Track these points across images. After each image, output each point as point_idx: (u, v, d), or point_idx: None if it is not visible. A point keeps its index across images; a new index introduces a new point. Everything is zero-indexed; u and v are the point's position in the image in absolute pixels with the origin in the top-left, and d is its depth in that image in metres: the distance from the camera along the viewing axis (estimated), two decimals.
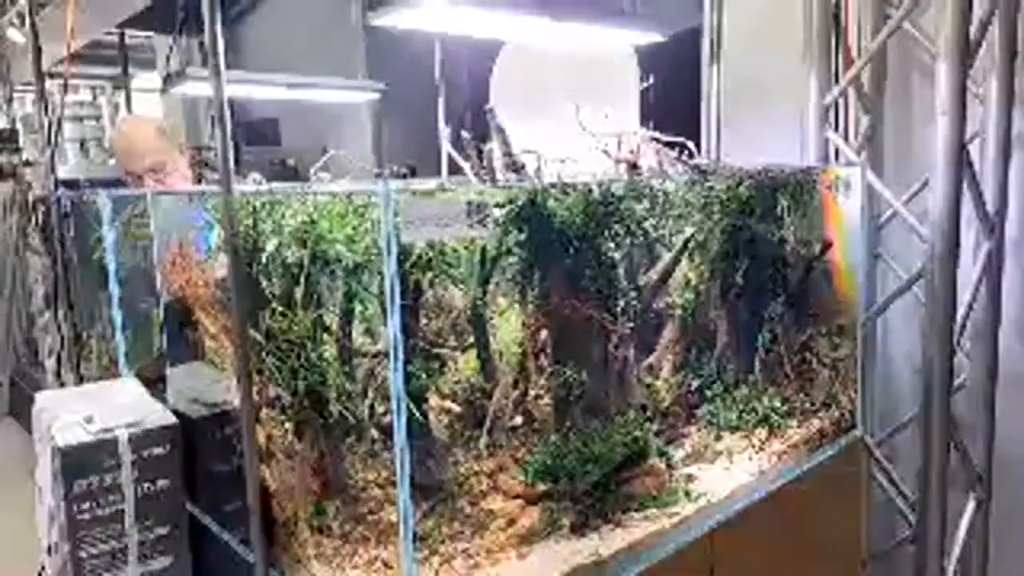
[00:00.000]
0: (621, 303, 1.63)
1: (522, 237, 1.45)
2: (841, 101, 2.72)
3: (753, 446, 1.96)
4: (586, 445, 1.55)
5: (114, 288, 2.21)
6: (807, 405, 2.13)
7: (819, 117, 2.60)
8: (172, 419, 1.86)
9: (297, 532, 1.44)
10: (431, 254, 1.30)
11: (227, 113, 1.40)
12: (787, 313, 2.07)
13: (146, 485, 1.82)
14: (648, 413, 1.73)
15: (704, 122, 3.12)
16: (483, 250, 1.47)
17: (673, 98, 3.39)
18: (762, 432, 1.99)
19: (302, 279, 1.29)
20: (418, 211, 1.12)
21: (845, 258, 2.25)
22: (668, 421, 1.96)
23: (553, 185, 1.42)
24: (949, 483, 2.41)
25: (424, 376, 1.38)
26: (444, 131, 1.64)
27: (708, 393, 2.02)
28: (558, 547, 1.49)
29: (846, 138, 2.71)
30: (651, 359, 1.98)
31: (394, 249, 1.05)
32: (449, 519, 1.44)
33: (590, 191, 1.48)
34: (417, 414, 1.36)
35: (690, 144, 2.22)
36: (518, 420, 1.61)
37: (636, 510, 1.62)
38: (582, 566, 1.48)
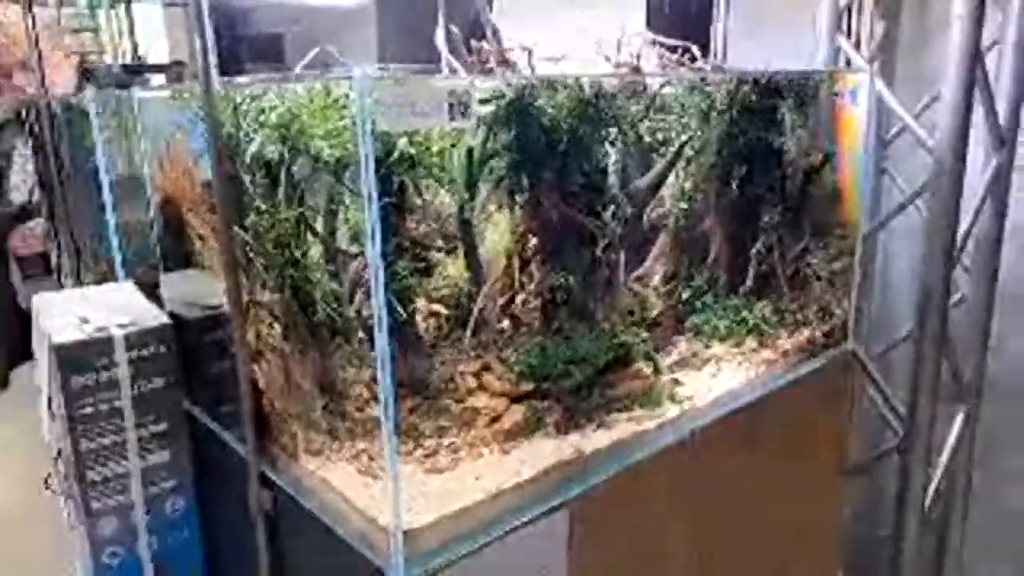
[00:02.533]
0: (612, 209, 1.61)
1: (509, 136, 1.41)
2: (856, 6, 2.59)
3: (742, 354, 1.97)
4: (571, 347, 1.56)
5: (107, 193, 2.20)
6: (799, 316, 2.13)
7: (832, 21, 2.50)
8: (166, 320, 1.89)
9: (287, 428, 1.48)
10: (414, 151, 1.27)
11: (204, 7, 1.35)
12: (784, 224, 2.04)
13: (143, 383, 1.87)
14: (635, 319, 1.73)
15: (714, 26, 3.00)
16: (469, 150, 1.44)
17: (684, 3, 3.25)
18: (752, 341, 2.00)
19: (283, 177, 1.28)
20: (398, 101, 1.09)
21: (849, 170, 2.20)
22: (658, 330, 1.97)
23: (540, 80, 1.38)
24: (939, 398, 2.44)
25: (409, 277, 1.38)
26: (440, 33, 1.59)
27: (699, 303, 2.03)
28: (542, 444, 1.53)
29: (858, 46, 2.61)
30: (643, 268, 1.97)
31: (370, 139, 1.03)
32: (435, 415, 1.47)
33: (581, 88, 1.43)
34: (403, 314, 1.37)
35: (694, 48, 2.14)
36: (505, 323, 1.62)
37: (620, 411, 1.65)
38: (564, 462, 1.52)
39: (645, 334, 1.77)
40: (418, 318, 1.55)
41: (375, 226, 1.08)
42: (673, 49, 2.10)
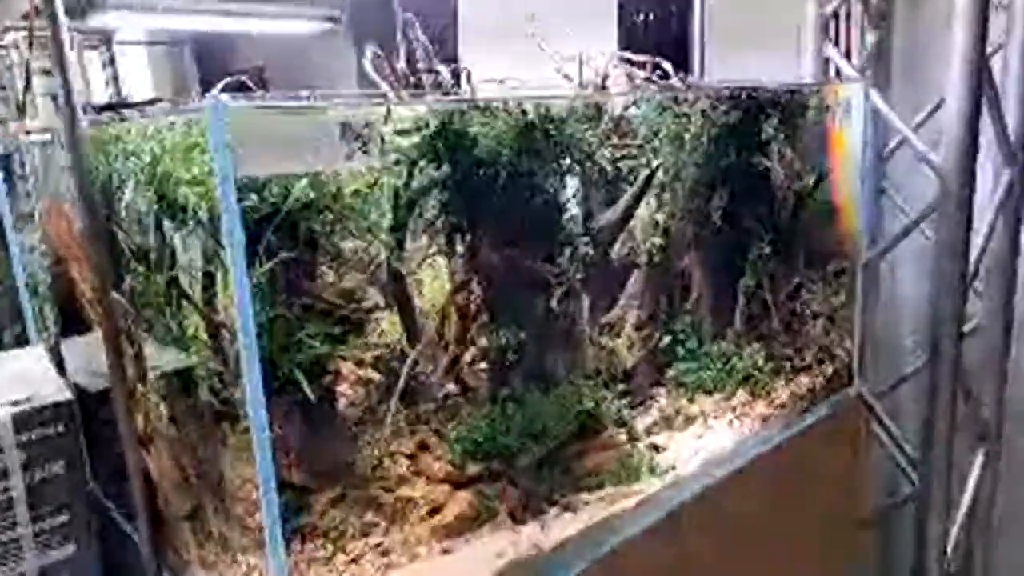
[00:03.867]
0: (570, 250, 1.36)
1: (439, 172, 1.17)
2: (843, 13, 2.38)
3: (733, 409, 1.71)
4: (527, 416, 1.31)
5: (13, 247, 1.95)
6: (796, 360, 1.87)
7: (818, 31, 2.28)
8: (67, 395, 1.62)
9: (179, 531, 1.21)
10: (314, 195, 1.03)
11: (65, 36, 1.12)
12: (775, 256, 1.80)
13: (38, 469, 1.60)
14: (603, 377, 1.47)
15: (692, 39, 2.79)
16: (396, 190, 1.20)
17: (660, 16, 3.04)
18: (743, 393, 1.74)
19: (152, 231, 1.03)
20: (270, 137, 0.84)
21: (844, 192, 1.97)
22: (633, 383, 1.71)
23: (470, 104, 1.14)
24: (955, 438, 2.18)
25: (322, 343, 1.13)
26: (369, 55, 1.38)
27: (680, 351, 1.77)
28: (493, 538, 1.26)
29: (848, 56, 2.38)
30: (612, 313, 1.73)
31: (230, 185, 0.78)
32: (360, 509, 1.21)
33: (524, 112, 1.19)
34: (309, 391, 1.11)
35: (666, 64, 1.91)
36: (451, 387, 1.37)
37: (590, 490, 1.39)
38: (521, 560, 1.25)
39: (616, 393, 1.52)
40: (343, 387, 1.30)
41: (244, 291, 0.82)
42: (643, 66, 1.86)
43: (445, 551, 1.23)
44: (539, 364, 1.39)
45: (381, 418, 1.29)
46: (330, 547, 1.22)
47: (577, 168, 1.35)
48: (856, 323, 1.98)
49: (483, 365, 1.35)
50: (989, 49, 1.87)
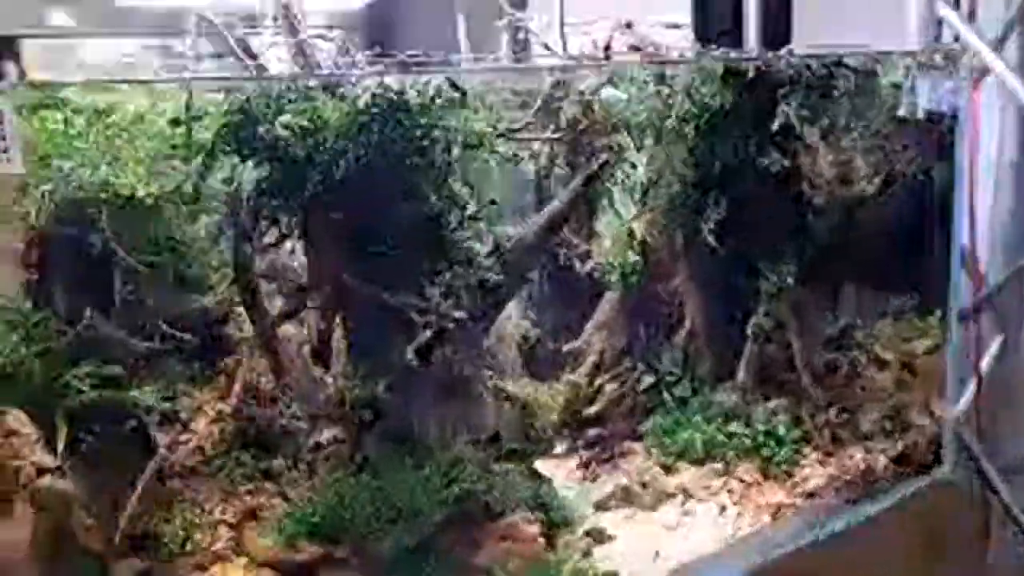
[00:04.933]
0: (451, 276, 1.03)
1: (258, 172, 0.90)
2: None
3: (730, 491, 1.27)
4: (385, 491, 0.99)
5: None
6: (843, 428, 1.37)
7: None
8: None
9: None
10: None
11: None
12: (804, 284, 1.32)
13: None
14: (512, 440, 1.12)
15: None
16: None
17: None
18: (750, 468, 1.28)
19: None
20: None
21: (939, 205, 1.43)
22: (590, 436, 1.33)
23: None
24: None
25: (91, 388, 0.90)
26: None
27: (666, 397, 1.36)
28: None
29: (972, 18, 1.78)
30: (572, 345, 1.36)
31: None
32: None
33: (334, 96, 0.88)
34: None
35: (681, 27, 1.53)
36: (323, 436, 1.08)
37: None
38: None
39: (527, 461, 1.15)
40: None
41: None
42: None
43: None
44: (406, 423, 1.06)
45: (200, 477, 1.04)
46: None
47: (457, 168, 1.01)
48: (949, 382, 1.43)
49: (331, 425, 1.05)
50: None
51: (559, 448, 1.40)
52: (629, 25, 1.52)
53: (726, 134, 1.24)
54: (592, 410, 1.35)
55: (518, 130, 1.11)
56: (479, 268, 1.05)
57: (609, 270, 1.34)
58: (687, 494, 1.26)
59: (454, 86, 0.95)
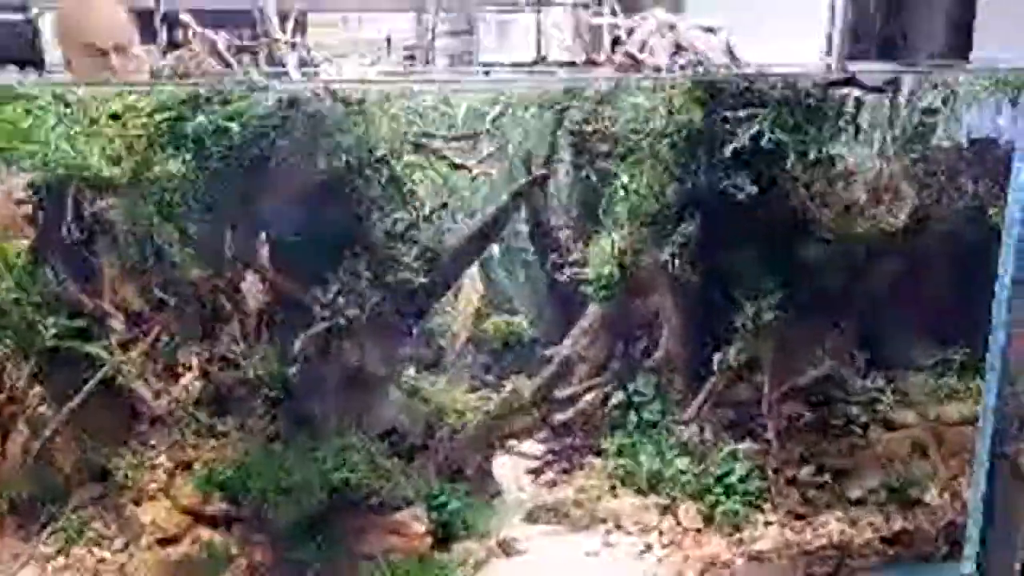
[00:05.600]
0: (352, 274, 1.08)
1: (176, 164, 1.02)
2: None
3: (662, 531, 1.20)
4: (285, 466, 1.08)
5: None
6: (819, 490, 1.23)
7: None
8: None
9: None
10: None
11: None
12: (795, 320, 1.20)
13: None
14: (413, 437, 1.15)
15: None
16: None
17: None
18: (694, 509, 1.20)
19: None
20: None
21: (979, 243, 1.21)
22: (550, 445, 1.32)
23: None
24: None
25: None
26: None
27: (633, 418, 1.31)
28: None
29: None
30: (554, 349, 1.36)
31: None
32: (106, 518, 1.15)
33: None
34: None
35: (723, 34, 1.43)
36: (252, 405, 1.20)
37: None
38: None
39: (419, 461, 1.16)
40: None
41: None
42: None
43: None
44: (309, 407, 1.13)
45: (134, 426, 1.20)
46: (58, 546, 1.17)
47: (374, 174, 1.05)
48: (981, 454, 1.21)
49: (243, 391, 1.15)
50: None
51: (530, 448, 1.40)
52: (672, 27, 1.44)
53: (697, 154, 1.14)
54: (561, 417, 1.33)
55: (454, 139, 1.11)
56: (402, 270, 1.08)
57: (588, 281, 1.30)
58: (618, 524, 1.20)
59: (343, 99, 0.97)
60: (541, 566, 1.16)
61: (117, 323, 1.19)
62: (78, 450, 1.21)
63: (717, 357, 1.21)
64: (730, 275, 1.20)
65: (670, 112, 1.14)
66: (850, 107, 1.11)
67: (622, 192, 1.23)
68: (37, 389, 1.21)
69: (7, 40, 1.12)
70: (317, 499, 1.10)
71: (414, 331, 1.20)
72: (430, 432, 1.18)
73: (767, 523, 1.20)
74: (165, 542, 1.15)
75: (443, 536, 1.15)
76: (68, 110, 1.05)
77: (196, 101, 1.00)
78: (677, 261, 1.19)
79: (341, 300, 1.05)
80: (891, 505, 1.23)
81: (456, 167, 1.10)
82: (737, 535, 1.19)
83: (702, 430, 1.23)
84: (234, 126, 0.97)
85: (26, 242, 1.16)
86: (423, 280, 1.10)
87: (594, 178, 1.23)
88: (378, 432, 1.13)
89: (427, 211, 1.11)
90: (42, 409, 1.21)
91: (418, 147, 1.06)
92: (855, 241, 1.18)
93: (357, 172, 1.04)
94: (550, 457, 1.39)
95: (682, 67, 1.25)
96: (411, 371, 1.24)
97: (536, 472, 1.36)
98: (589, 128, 1.29)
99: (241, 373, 1.13)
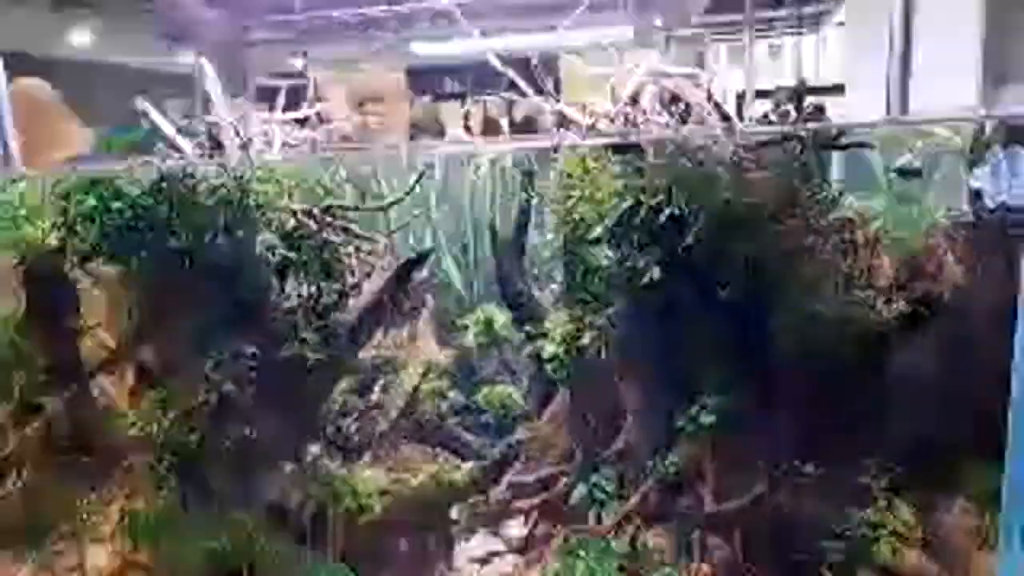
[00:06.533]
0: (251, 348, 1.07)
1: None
2: None
3: None
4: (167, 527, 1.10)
5: None
6: None
7: None
8: None
9: None
10: None
11: None
12: (726, 426, 1.03)
13: None
14: (292, 514, 1.12)
15: None
16: None
17: None
18: None
19: None
20: None
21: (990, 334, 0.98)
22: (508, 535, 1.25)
23: None
24: None
25: None
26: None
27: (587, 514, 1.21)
28: None
29: None
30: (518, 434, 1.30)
31: None
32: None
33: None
34: None
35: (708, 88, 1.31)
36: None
37: None
38: None
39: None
40: None
41: None
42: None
43: None
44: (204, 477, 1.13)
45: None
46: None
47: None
48: None
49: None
50: None
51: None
52: (667, 75, 1.32)
53: (633, 227, 1.00)
54: (521, 505, 1.25)
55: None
56: (295, 343, 1.05)
57: (548, 359, 1.21)
58: None
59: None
60: None
61: None
62: None
63: (654, 461, 1.06)
64: (678, 370, 1.05)
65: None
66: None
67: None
68: None
69: None
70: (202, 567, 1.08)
71: (318, 407, 1.16)
72: (321, 513, 1.13)
73: None
74: None
75: None
76: None
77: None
78: (646, 353, 1.06)
79: (219, 375, 1.04)
80: None
81: (359, 237, 1.05)
82: None
83: (634, 539, 1.08)
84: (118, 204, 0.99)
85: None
86: (319, 356, 1.06)
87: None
88: (263, 507, 1.11)
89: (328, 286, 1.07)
90: None
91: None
92: (816, 332, 0.98)
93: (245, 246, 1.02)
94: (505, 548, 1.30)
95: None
96: (314, 448, 1.20)
97: (483, 561, 1.28)
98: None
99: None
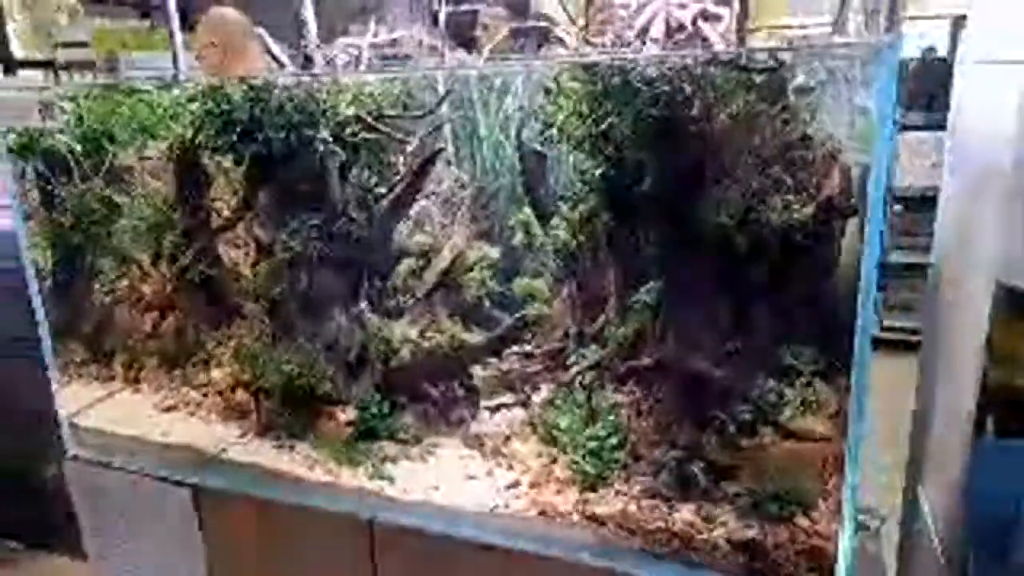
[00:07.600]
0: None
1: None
2: None
3: (532, 476, 1.39)
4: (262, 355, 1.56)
5: None
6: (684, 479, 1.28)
7: None
8: None
9: None
10: None
11: None
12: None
13: None
14: (345, 351, 1.51)
15: None
16: None
17: None
18: (563, 462, 1.37)
19: None
20: None
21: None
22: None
23: None
24: None
25: None
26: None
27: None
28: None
29: None
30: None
31: None
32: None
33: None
34: None
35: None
36: None
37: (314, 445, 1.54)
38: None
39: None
40: None
41: None
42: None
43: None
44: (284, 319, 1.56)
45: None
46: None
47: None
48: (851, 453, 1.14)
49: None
50: None
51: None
52: (683, 6, 1.50)
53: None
54: (531, 370, 1.55)
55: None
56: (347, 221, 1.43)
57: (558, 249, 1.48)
58: (510, 464, 1.43)
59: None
60: (430, 474, 1.43)
61: None
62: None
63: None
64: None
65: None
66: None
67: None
68: None
69: None
70: (282, 379, 1.51)
71: (363, 272, 1.53)
72: (365, 352, 1.51)
73: (618, 492, 1.28)
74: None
75: (364, 432, 1.49)
76: None
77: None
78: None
79: (293, 241, 1.44)
80: (756, 513, 1.20)
81: (399, 141, 1.39)
82: (586, 494, 1.29)
83: (590, 393, 1.33)
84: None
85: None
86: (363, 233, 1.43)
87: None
88: (324, 345, 1.51)
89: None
90: None
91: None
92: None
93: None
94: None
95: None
96: (362, 305, 1.57)
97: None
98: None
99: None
